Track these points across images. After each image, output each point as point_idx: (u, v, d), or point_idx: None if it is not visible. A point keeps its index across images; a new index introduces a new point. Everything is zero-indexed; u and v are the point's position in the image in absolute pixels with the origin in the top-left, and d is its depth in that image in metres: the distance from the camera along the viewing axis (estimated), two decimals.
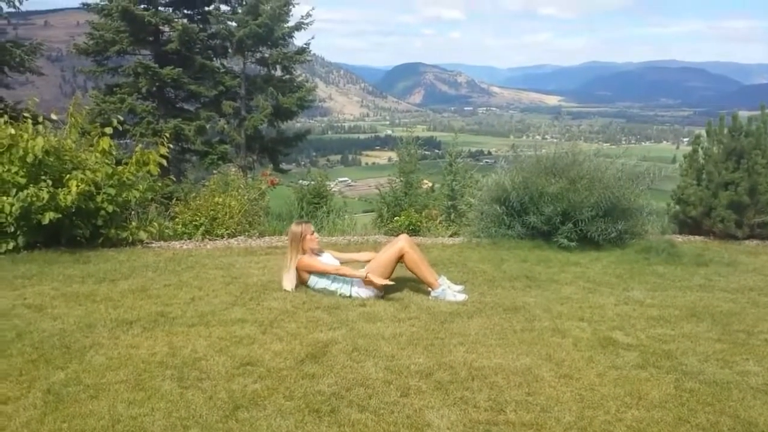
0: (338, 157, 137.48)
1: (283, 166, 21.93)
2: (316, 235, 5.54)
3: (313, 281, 5.31)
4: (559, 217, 7.24)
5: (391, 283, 5.26)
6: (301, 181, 12.54)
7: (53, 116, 7.35)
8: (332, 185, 12.89)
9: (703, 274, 6.32)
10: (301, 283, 5.37)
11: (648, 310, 5.00)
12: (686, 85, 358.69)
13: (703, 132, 9.16)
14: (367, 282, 5.14)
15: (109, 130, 7.30)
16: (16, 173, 6.55)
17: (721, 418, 3.15)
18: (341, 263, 5.46)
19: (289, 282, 5.33)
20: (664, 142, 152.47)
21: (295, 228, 5.45)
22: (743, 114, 9.15)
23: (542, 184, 7.37)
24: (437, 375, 3.58)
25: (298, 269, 5.35)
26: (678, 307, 5.09)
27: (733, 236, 8.21)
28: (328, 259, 5.47)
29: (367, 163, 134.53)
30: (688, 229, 8.85)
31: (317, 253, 5.48)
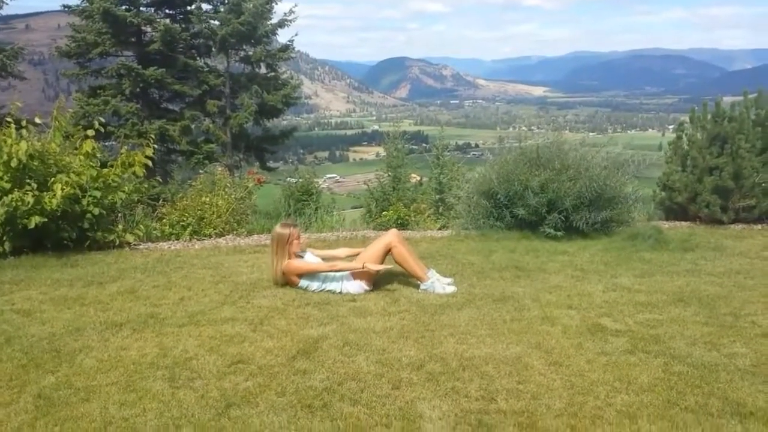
0: (326, 153, 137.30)
1: (270, 164, 21.88)
2: (301, 239, 5.46)
3: (304, 284, 5.25)
4: (545, 207, 7.28)
5: (389, 267, 5.26)
6: (288, 179, 12.53)
7: (37, 120, 7.29)
8: (320, 182, 12.90)
9: (690, 258, 6.38)
10: (291, 286, 5.32)
11: (636, 295, 5.04)
12: (671, 73, 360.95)
13: (687, 119, 9.24)
14: (358, 274, 5.14)
15: (91, 132, 7.25)
16: (1, 178, 6.50)
17: (709, 400, 3.19)
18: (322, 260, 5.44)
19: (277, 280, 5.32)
20: (650, 129, 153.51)
21: (281, 230, 5.32)
22: (727, 100, 9.25)
23: (527, 176, 7.40)
24: (428, 366, 3.60)
25: (286, 274, 5.28)
26: (665, 292, 5.14)
27: (719, 221, 8.29)
28: (312, 258, 5.45)
29: (354, 159, 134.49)
30: (674, 215, 8.93)
31: (300, 254, 5.42)
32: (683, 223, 8.61)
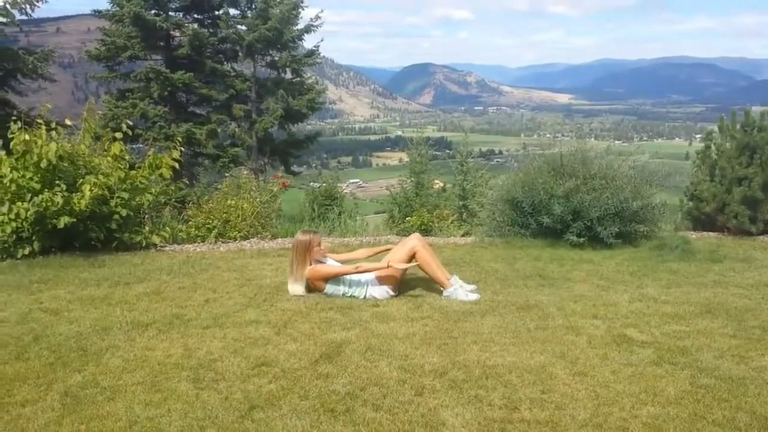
0: (349, 158, 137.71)
1: (294, 168, 21.99)
2: (323, 245, 5.46)
3: (330, 289, 5.25)
4: (570, 216, 7.22)
5: (414, 264, 5.26)
6: (312, 183, 12.56)
7: (67, 122, 7.42)
8: (343, 187, 12.90)
9: (718, 270, 6.28)
10: (318, 291, 5.30)
11: (662, 306, 4.97)
12: (698, 81, 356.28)
13: (716, 128, 9.10)
14: (384, 278, 5.14)
15: (119, 134, 7.35)
16: (31, 179, 6.61)
17: (737, 414, 3.13)
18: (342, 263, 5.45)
19: (297, 288, 5.28)
20: (677, 138, 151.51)
21: (302, 237, 5.32)
22: (755, 109, 9.08)
23: (552, 185, 7.35)
24: (451, 374, 3.59)
25: (312, 279, 5.27)
26: (692, 303, 5.06)
27: (748, 232, 8.15)
28: (333, 263, 5.46)
29: (377, 164, 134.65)
30: (701, 226, 8.79)
31: (321, 261, 5.41)
32: (711, 233, 8.47)
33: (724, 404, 3.24)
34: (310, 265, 5.28)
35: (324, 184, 11.37)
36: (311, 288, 5.31)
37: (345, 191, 12.63)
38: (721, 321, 4.61)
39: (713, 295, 5.34)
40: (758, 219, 8.13)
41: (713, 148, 8.89)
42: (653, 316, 4.72)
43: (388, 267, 5.11)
